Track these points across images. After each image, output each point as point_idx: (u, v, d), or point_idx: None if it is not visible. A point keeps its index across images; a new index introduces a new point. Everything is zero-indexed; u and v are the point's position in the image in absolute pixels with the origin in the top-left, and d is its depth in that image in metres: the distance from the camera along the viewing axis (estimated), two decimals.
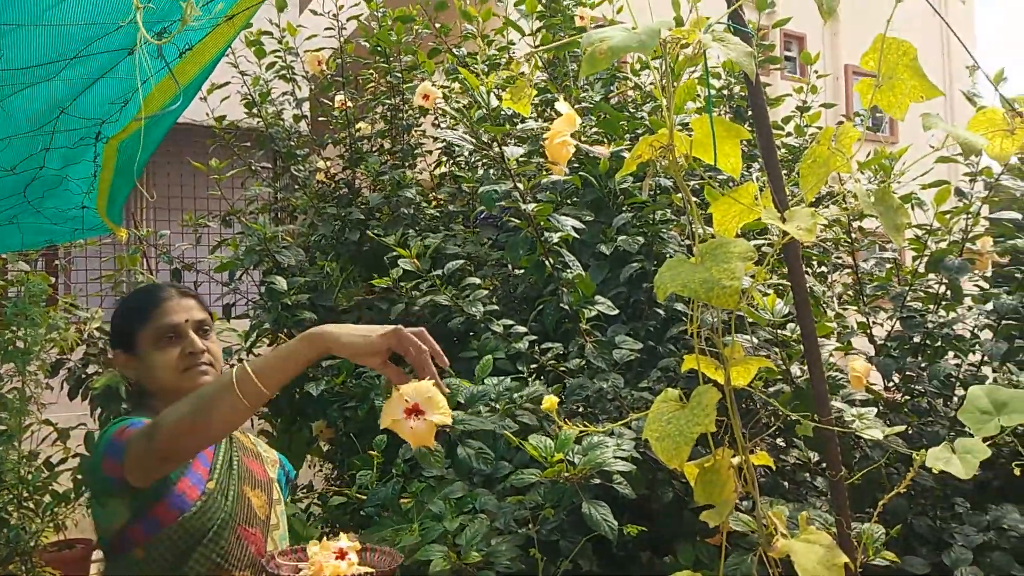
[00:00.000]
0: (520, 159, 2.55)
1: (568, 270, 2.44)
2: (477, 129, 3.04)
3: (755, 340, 1.86)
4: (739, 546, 1.64)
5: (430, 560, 1.86)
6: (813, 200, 1.09)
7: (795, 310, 1.02)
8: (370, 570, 1.47)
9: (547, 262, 2.46)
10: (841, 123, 1.10)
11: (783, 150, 3.21)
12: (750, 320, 1.88)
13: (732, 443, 1.00)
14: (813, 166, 1.07)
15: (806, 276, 2.72)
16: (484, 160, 3.56)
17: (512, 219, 2.65)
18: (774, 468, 1.84)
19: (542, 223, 2.45)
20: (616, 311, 2.37)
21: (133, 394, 1.75)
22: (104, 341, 5.40)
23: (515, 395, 2.14)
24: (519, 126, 2.57)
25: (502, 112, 2.93)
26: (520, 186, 2.49)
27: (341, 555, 1.52)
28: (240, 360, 3.36)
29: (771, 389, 1.76)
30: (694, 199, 1.05)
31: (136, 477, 1.42)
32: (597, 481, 1.74)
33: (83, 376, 5.27)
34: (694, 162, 1.03)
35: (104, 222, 3.41)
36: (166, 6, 1.53)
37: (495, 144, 2.54)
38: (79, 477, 4.58)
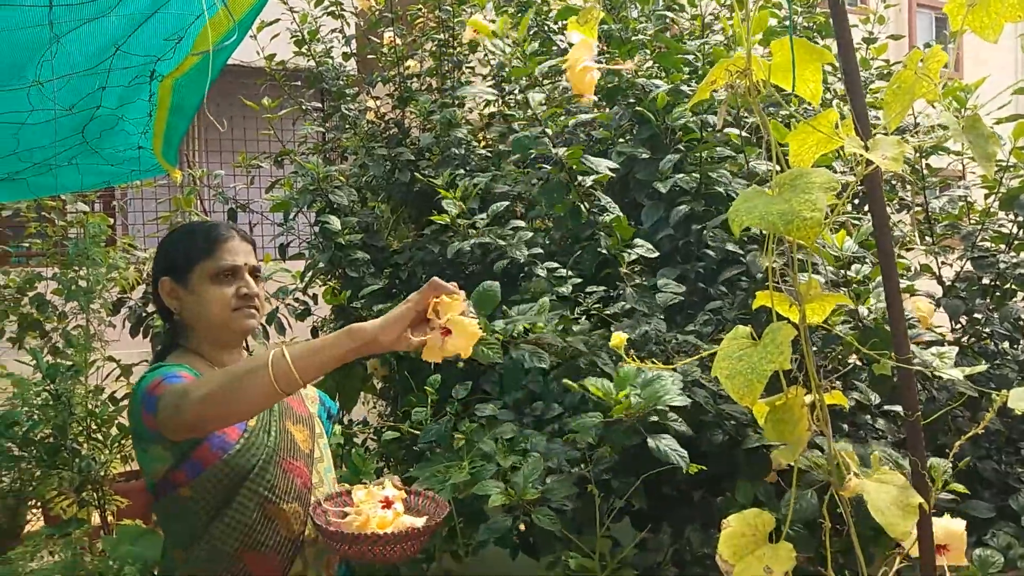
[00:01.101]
0: (542, 103, 2.47)
1: (606, 213, 2.38)
2: (511, 75, 2.97)
3: (820, 279, 1.80)
4: (800, 485, 1.62)
5: (487, 495, 1.88)
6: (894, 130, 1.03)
7: (877, 243, 0.98)
8: (415, 523, 1.49)
9: (583, 206, 2.40)
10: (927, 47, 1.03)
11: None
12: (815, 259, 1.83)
13: (805, 382, 0.97)
14: (898, 92, 1.01)
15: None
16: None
17: (543, 165, 2.59)
18: (846, 408, 1.81)
19: (575, 166, 2.38)
20: (656, 254, 2.31)
21: (170, 330, 1.71)
22: None
23: (569, 327, 2.13)
24: (538, 68, 2.46)
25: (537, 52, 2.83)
26: (548, 130, 2.41)
27: (387, 504, 1.54)
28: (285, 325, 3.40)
29: (835, 329, 1.71)
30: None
31: (171, 434, 1.45)
32: (654, 419, 1.73)
33: (143, 314, 5.44)
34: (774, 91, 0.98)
35: (160, 163, 3.45)
36: None
37: (517, 90, 2.47)
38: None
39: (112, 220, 5.49)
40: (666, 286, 2.26)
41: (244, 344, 1.76)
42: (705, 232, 2.35)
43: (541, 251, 2.56)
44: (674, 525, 2.09)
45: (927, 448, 1.95)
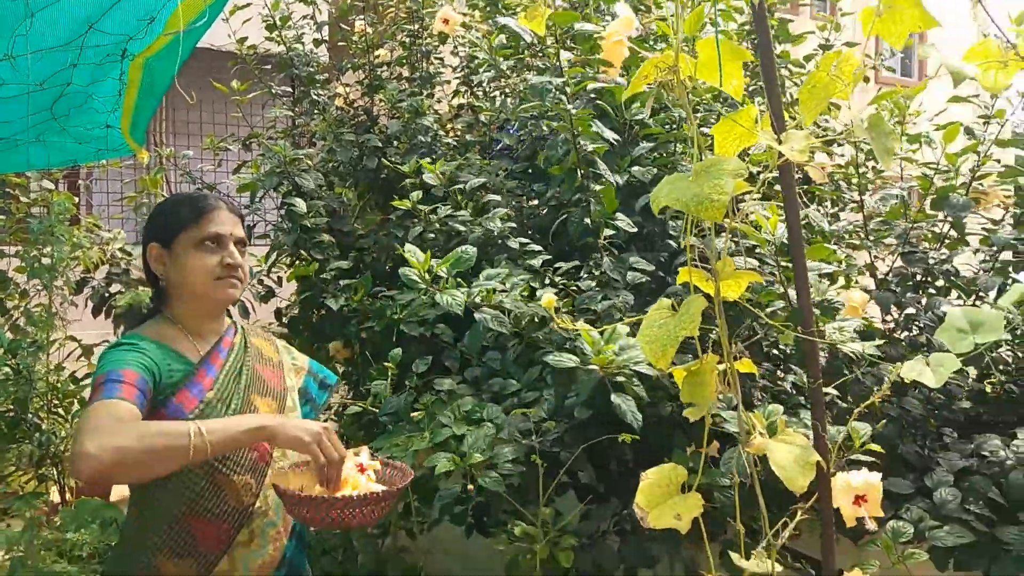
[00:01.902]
0: (569, 60, 2.55)
1: (600, 181, 2.48)
2: (496, 56, 3.05)
3: (755, 262, 1.92)
4: (732, 447, 1.74)
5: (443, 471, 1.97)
6: (826, 134, 1.14)
7: (788, 227, 1.08)
8: (373, 488, 1.55)
9: (579, 172, 2.49)
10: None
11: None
12: (753, 243, 1.94)
13: (718, 350, 1.08)
14: (813, 91, 1.12)
15: (817, 212, 2.77)
16: (504, 89, 3.57)
17: (551, 122, 2.66)
18: (757, 375, 1.93)
19: (581, 128, 2.47)
20: (635, 229, 2.42)
21: (155, 296, 1.76)
22: (127, 262, 5.54)
23: (533, 294, 2.22)
24: (576, 25, 2.54)
25: (520, 41, 2.94)
26: (568, 89, 2.49)
27: (361, 469, 1.61)
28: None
29: (768, 310, 1.83)
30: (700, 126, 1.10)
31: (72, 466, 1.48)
32: (620, 379, 1.85)
33: (106, 295, 5.43)
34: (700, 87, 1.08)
35: (127, 143, 3.48)
36: None
37: (552, 41, 2.53)
38: None
39: (77, 199, 5.47)
40: (636, 263, 2.37)
41: (227, 313, 1.79)
42: (668, 223, 2.46)
43: (514, 225, 2.65)
44: (620, 498, 2.20)
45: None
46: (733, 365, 1.05)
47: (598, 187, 2.44)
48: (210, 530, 1.59)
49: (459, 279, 2.24)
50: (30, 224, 4.86)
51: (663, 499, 1.06)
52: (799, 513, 1.13)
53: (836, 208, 2.97)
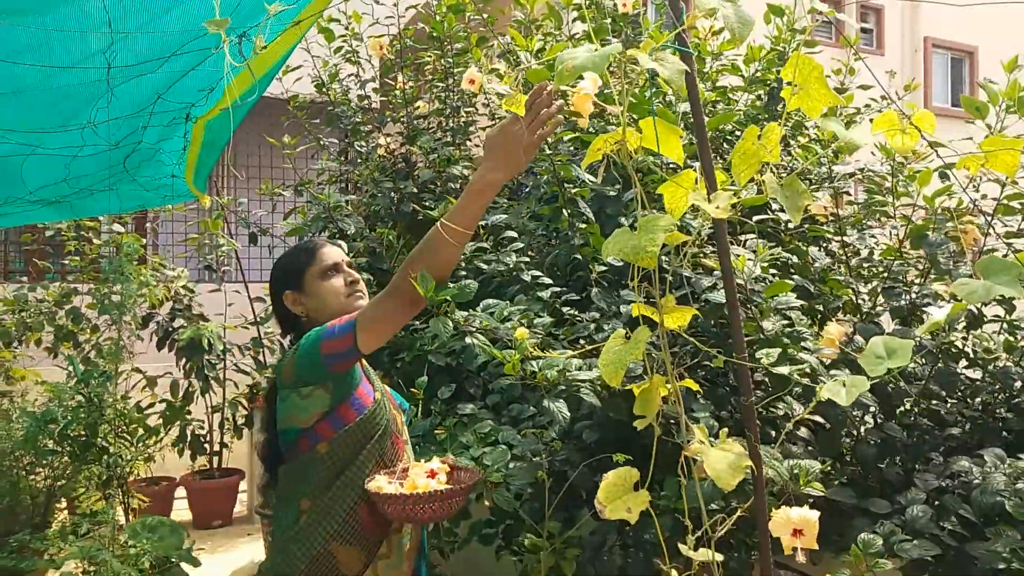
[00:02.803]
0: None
1: (583, 220, 2.74)
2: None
3: (719, 296, 2.12)
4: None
5: None
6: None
7: (721, 267, 1.30)
8: (438, 487, 1.80)
9: (564, 212, 2.76)
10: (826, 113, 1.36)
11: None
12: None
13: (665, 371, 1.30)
14: (743, 157, 1.35)
15: (820, 251, 2.95)
16: None
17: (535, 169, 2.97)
18: (700, 391, 2.11)
19: (562, 172, 2.72)
20: (621, 263, 2.66)
21: (297, 337, 2.01)
22: (189, 298, 5.93)
23: (530, 321, 2.46)
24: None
25: None
26: (550, 139, 2.76)
27: (432, 474, 1.86)
28: None
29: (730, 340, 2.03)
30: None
31: (371, 337, 1.72)
32: (563, 387, 2.08)
33: (170, 329, 5.83)
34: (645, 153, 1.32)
35: (191, 190, 3.86)
36: (246, 13, 1.88)
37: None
38: (167, 414, 5.11)
39: (144, 240, 5.91)
40: (628, 295, 2.60)
41: None
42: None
43: (528, 259, 2.91)
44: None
45: (834, 449, 2.25)
46: (676, 384, 1.27)
47: (582, 225, 2.69)
48: (374, 517, 1.83)
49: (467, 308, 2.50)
50: (101, 264, 5.29)
51: (619, 495, 1.28)
52: (739, 511, 1.34)
53: (838, 244, 3.15)
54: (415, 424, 2.53)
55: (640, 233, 1.21)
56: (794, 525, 1.43)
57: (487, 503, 2.21)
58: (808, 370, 1.85)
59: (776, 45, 3.67)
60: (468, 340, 2.19)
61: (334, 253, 2.01)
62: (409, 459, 1.98)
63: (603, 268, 2.63)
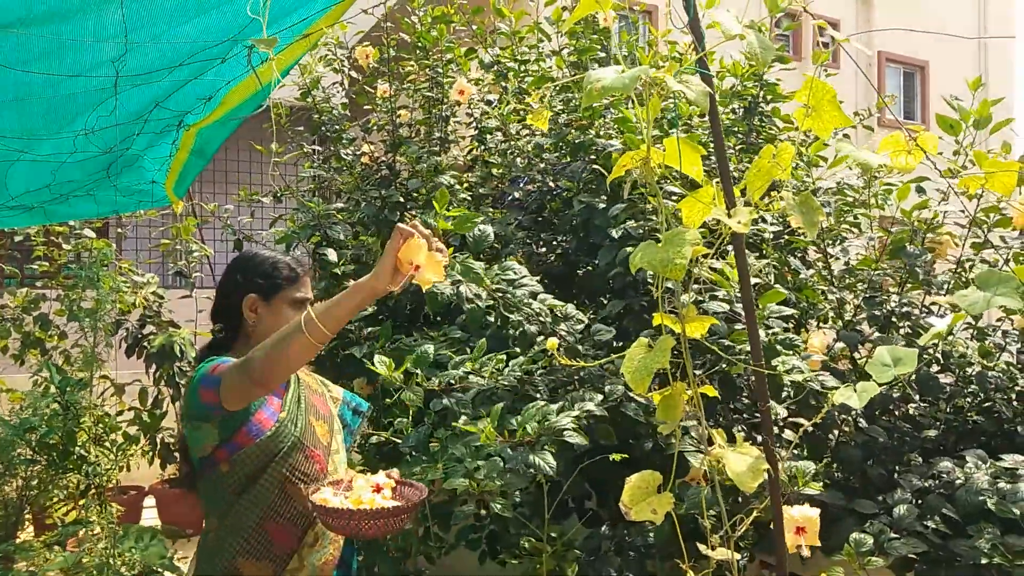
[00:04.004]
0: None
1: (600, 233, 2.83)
2: (507, 121, 3.39)
3: (725, 307, 2.21)
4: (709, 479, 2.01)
5: (455, 490, 2.24)
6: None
7: (740, 281, 1.37)
8: (396, 503, 1.82)
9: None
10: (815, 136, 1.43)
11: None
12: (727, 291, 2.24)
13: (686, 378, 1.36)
14: (758, 174, 1.42)
15: (800, 262, 3.06)
16: (513, 149, 3.91)
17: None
18: (720, 398, 2.19)
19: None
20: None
21: (227, 337, 2.04)
22: (158, 304, 5.86)
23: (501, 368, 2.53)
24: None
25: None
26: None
27: (377, 489, 1.88)
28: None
29: (739, 347, 2.11)
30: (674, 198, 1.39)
31: (231, 402, 1.79)
32: (544, 437, 2.15)
33: (139, 336, 5.74)
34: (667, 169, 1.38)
35: (168, 196, 3.84)
36: (257, 25, 1.90)
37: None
38: (146, 422, 5.04)
39: (112, 246, 5.81)
40: (599, 331, 2.67)
41: None
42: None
43: (530, 267, 2.97)
44: (618, 521, 2.46)
45: (822, 452, 2.34)
46: (697, 391, 1.33)
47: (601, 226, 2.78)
48: (282, 533, 1.87)
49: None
50: (71, 269, 5.19)
51: (643, 497, 1.33)
52: (754, 512, 1.40)
53: (818, 255, 3.26)
54: (408, 435, 2.55)
55: (666, 246, 1.27)
56: (797, 523, 1.50)
57: (482, 510, 2.26)
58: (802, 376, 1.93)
59: (751, 61, 3.78)
60: (444, 401, 2.27)
61: (309, 286, 2.05)
62: (337, 469, 1.99)
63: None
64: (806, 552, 1.52)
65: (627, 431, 2.31)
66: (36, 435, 3.73)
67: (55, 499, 4.07)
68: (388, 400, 2.88)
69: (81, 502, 4.03)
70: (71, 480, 3.78)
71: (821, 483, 2.35)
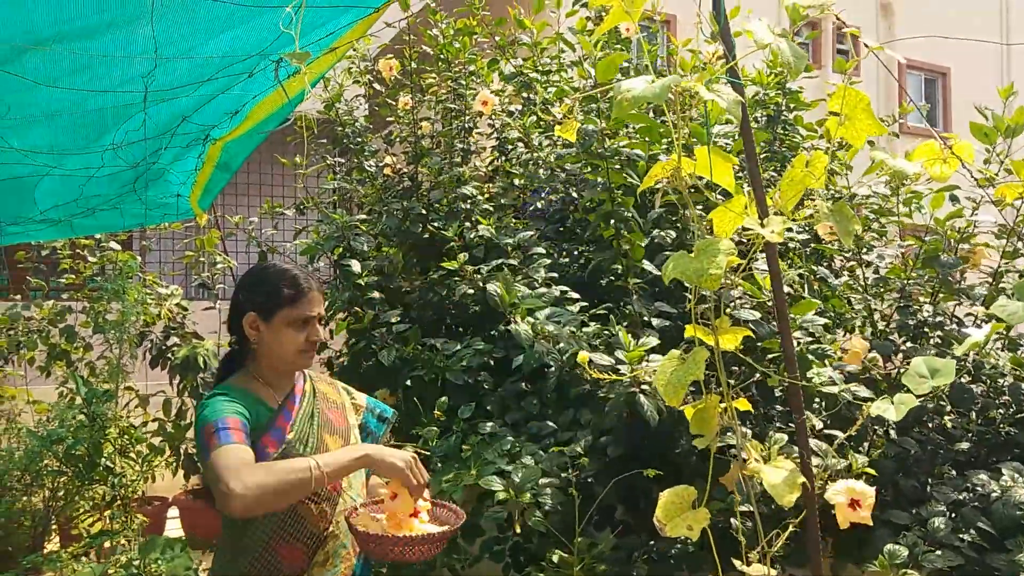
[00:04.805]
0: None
1: (629, 227, 2.86)
2: (529, 131, 3.39)
3: (757, 315, 2.18)
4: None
5: (482, 499, 2.23)
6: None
7: (773, 290, 1.36)
8: (432, 530, 1.80)
9: (612, 220, 2.85)
10: (827, 149, 1.41)
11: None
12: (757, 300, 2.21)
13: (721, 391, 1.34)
14: (791, 184, 1.40)
15: (827, 270, 3.03)
16: (535, 160, 3.91)
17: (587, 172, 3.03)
18: (753, 412, 2.17)
19: (613, 179, 2.87)
20: (658, 272, 2.72)
21: (239, 351, 2.01)
22: (182, 316, 5.90)
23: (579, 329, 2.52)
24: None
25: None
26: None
27: (415, 513, 1.86)
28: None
29: (769, 356, 2.08)
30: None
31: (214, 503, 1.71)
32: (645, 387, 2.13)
33: (163, 347, 5.79)
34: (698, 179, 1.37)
35: (192, 208, 3.87)
36: (288, 38, 1.91)
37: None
38: (171, 433, 5.08)
39: (137, 258, 5.87)
40: (662, 307, 2.68)
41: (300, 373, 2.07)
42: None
43: (556, 275, 2.96)
44: (649, 532, 2.44)
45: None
46: (731, 404, 1.32)
47: (626, 233, 2.76)
48: (293, 553, 1.85)
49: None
50: (96, 282, 5.25)
51: (677, 513, 1.31)
52: (790, 526, 1.38)
53: (844, 264, 3.23)
54: (438, 444, 2.55)
55: (699, 256, 1.26)
56: (853, 494, 1.43)
57: (516, 526, 2.25)
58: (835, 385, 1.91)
59: (774, 69, 3.77)
60: (537, 346, 2.27)
61: (316, 304, 1.94)
62: (352, 485, 1.97)
63: (637, 280, 2.70)
64: (857, 518, 1.43)
65: (661, 433, 2.28)
66: (63, 446, 3.76)
67: (81, 510, 4.11)
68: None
69: (107, 513, 4.07)
70: (97, 491, 3.81)
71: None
